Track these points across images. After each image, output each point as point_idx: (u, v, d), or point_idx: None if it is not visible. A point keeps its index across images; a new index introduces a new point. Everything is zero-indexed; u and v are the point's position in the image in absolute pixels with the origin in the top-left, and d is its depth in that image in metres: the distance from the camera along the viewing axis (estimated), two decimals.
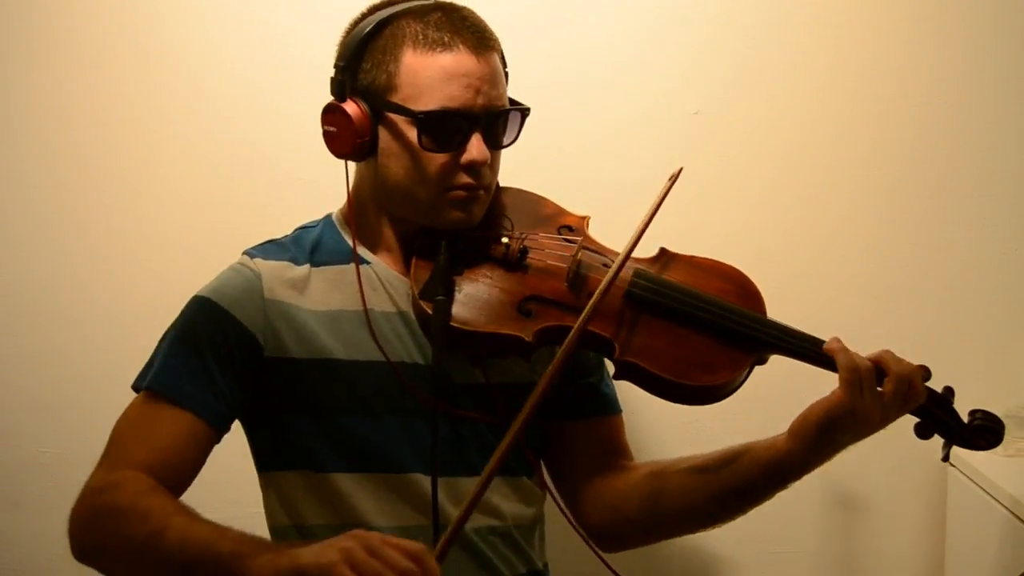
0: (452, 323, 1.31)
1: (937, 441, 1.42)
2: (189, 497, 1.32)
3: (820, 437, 1.28)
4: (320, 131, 1.38)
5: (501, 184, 1.46)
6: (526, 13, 1.83)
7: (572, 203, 1.53)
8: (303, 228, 1.47)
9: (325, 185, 1.53)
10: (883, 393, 1.26)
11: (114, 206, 1.91)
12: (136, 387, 1.35)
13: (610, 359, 1.34)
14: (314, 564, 1.07)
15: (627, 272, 1.36)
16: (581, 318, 1.29)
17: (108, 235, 1.91)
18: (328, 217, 1.47)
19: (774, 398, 1.45)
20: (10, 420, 1.93)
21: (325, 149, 1.38)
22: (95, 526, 1.24)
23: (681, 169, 1.42)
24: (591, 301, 1.31)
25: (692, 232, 1.69)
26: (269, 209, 1.86)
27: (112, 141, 1.90)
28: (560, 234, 1.44)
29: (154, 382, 1.33)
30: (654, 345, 1.33)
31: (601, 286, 1.32)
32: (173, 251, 1.90)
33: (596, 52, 1.86)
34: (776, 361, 1.39)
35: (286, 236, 1.46)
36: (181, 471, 1.31)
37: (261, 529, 1.70)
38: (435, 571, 1.09)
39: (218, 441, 1.36)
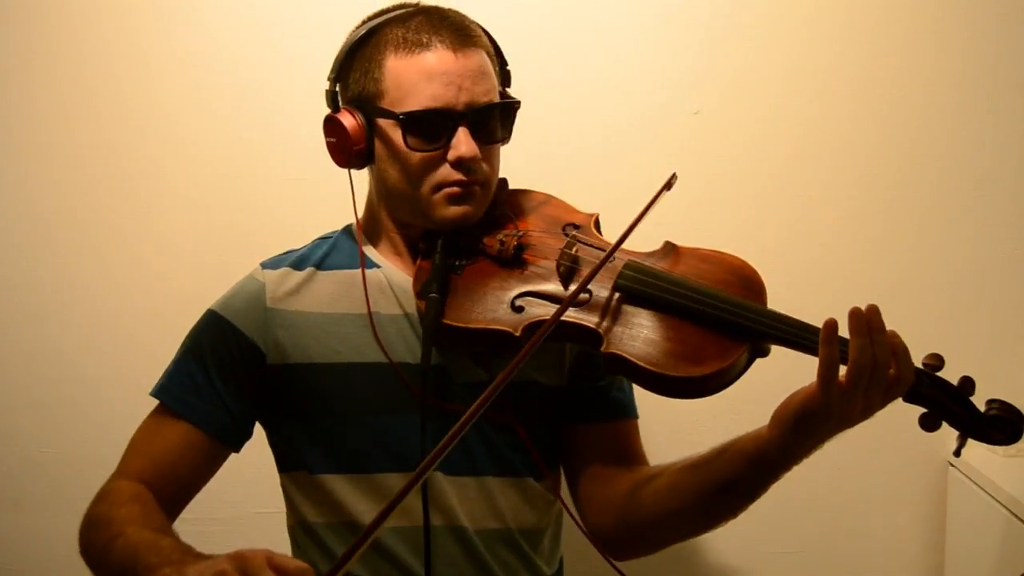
0: (444, 320, 1.32)
1: (938, 439, 1.40)
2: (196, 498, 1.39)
3: (797, 427, 1.20)
4: (321, 131, 1.39)
5: (510, 186, 1.46)
6: (526, 13, 1.83)
7: (572, 203, 1.53)
8: (322, 237, 1.50)
9: (327, 186, 1.53)
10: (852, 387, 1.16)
11: (114, 206, 1.91)
12: (152, 394, 1.41)
13: (596, 352, 1.30)
14: None
15: (618, 264, 1.34)
16: (561, 306, 1.26)
17: (108, 235, 1.91)
18: (348, 226, 1.49)
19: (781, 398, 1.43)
20: (10, 420, 1.93)
21: (326, 150, 1.40)
22: (83, 533, 1.31)
23: (674, 175, 1.39)
24: (569, 293, 1.30)
25: (692, 232, 1.67)
26: (270, 210, 1.86)
27: (112, 141, 1.90)
28: (565, 232, 1.42)
29: (161, 393, 1.40)
30: (641, 337, 1.29)
31: (582, 280, 1.30)
32: (173, 251, 1.90)
33: (596, 52, 1.86)
34: (784, 359, 1.38)
35: (304, 245, 1.48)
36: (175, 480, 1.37)
37: (265, 529, 1.72)
38: None
39: (234, 450, 1.42)
